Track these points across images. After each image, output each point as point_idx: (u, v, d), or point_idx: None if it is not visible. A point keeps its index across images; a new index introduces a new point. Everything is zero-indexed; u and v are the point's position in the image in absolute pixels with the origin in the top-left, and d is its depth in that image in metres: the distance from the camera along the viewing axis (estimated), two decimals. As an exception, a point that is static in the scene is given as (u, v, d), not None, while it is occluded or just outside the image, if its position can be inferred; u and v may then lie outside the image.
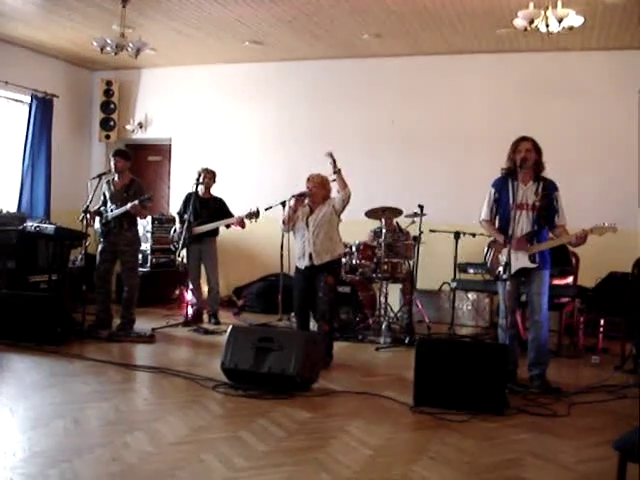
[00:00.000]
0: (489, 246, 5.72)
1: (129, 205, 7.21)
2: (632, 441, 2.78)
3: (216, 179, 8.26)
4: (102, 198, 7.55)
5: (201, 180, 8.12)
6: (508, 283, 5.39)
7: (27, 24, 8.33)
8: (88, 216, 7.32)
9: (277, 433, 4.29)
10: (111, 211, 7.35)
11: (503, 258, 5.45)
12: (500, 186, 5.62)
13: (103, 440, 4.06)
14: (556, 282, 6.85)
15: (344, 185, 6.20)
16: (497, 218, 5.70)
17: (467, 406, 4.76)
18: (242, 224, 7.98)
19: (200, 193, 8.16)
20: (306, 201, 6.31)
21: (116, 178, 7.54)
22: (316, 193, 6.25)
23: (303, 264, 6.25)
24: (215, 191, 8.37)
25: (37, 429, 4.22)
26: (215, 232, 8.25)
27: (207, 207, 8.15)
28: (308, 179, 6.31)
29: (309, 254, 6.18)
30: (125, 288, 7.53)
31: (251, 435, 4.22)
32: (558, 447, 4.19)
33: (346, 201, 6.21)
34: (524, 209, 5.48)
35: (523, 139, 5.54)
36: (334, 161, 6.28)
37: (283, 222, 6.37)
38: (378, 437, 4.28)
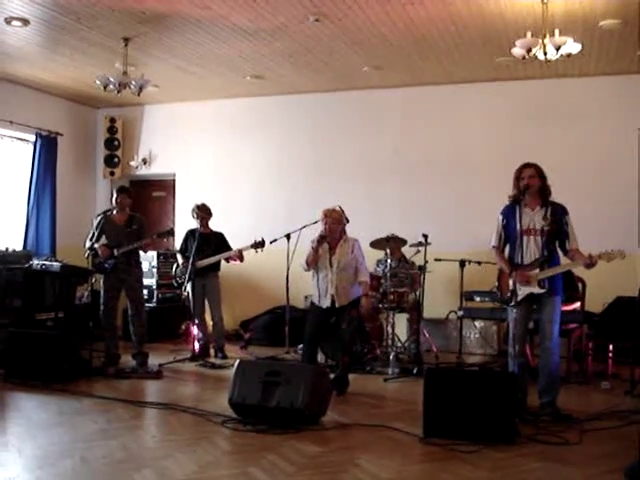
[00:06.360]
0: (499, 273, 5.70)
1: (146, 239, 7.33)
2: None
3: (211, 212, 8.29)
4: (95, 233, 7.46)
5: (196, 217, 8.18)
6: (515, 310, 5.39)
7: (31, 64, 8.44)
8: (100, 250, 7.33)
9: (287, 469, 4.24)
10: (117, 245, 7.36)
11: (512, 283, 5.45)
12: (508, 213, 5.62)
13: (111, 479, 4.03)
14: (563, 308, 6.81)
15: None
16: (507, 244, 5.69)
17: (477, 436, 4.72)
18: (241, 257, 8.02)
19: (200, 229, 8.19)
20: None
21: (115, 212, 7.58)
22: (335, 229, 6.30)
23: (325, 304, 6.29)
24: (218, 225, 8.41)
25: (45, 468, 4.20)
26: (217, 267, 8.27)
27: (208, 242, 8.16)
28: (325, 214, 6.31)
29: (331, 295, 6.23)
30: (137, 323, 7.55)
31: (260, 471, 4.17)
32: (570, 476, 4.14)
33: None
34: (532, 234, 5.46)
35: (526, 166, 5.55)
36: None
37: (307, 263, 6.34)
38: (389, 470, 4.23)
